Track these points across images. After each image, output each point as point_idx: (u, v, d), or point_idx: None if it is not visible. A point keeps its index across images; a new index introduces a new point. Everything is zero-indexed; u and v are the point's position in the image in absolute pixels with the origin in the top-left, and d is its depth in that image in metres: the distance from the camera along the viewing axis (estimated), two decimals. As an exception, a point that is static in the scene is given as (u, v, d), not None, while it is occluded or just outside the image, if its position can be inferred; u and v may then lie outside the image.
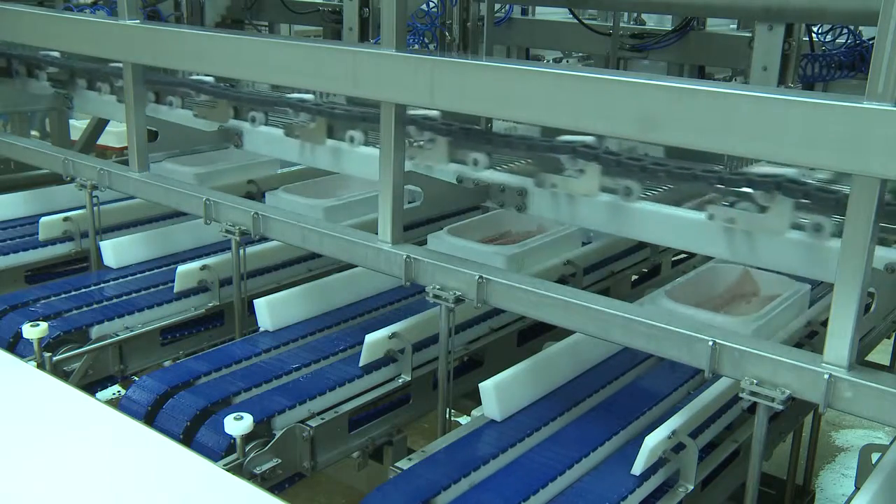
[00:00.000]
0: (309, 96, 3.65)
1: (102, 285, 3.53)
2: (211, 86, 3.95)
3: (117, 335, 3.19)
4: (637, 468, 2.31)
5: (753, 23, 3.43)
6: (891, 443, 2.36)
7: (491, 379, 2.60)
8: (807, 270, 2.56)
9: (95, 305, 3.33)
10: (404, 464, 2.37)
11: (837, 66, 4.09)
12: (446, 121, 3.07)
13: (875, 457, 2.33)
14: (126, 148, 3.86)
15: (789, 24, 3.28)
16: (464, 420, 2.81)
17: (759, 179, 2.49)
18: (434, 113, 3.08)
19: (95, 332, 3.19)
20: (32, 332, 2.78)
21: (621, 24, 5.34)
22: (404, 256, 2.73)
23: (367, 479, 2.95)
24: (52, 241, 3.91)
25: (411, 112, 2.95)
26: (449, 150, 3.07)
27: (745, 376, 2.12)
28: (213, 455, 2.49)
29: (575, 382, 2.80)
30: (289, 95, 3.73)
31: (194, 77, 4.05)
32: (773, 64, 3.32)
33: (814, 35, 4.14)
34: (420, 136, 3.05)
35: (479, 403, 2.61)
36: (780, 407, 2.08)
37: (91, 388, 3.11)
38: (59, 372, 2.97)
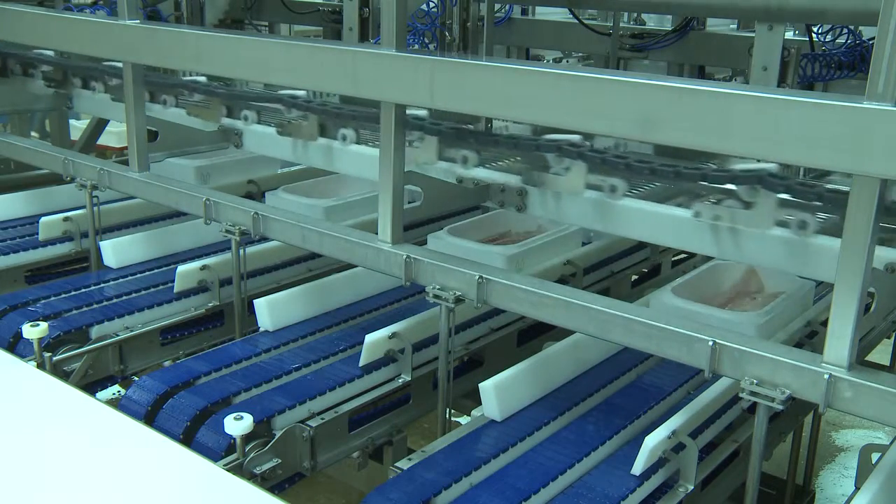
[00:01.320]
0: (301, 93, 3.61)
1: (102, 285, 3.53)
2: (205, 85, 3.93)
3: (117, 335, 3.19)
4: (637, 468, 2.31)
5: (754, 23, 3.43)
6: (891, 443, 2.36)
7: (491, 379, 2.60)
8: (600, 225, 2.83)
9: (95, 305, 3.33)
10: (404, 464, 2.37)
11: (837, 66, 4.10)
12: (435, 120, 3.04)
13: (875, 457, 2.33)
14: (126, 148, 3.87)
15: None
16: (464, 420, 2.81)
17: (546, 144, 2.75)
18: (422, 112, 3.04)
19: (95, 332, 3.19)
20: (32, 332, 2.78)
21: (621, 24, 5.35)
22: (404, 256, 2.73)
23: (367, 479, 2.95)
24: (52, 241, 3.91)
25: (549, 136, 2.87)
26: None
27: (745, 376, 2.12)
28: (213, 455, 2.49)
29: (575, 382, 2.81)
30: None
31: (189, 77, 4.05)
32: (773, 64, 3.31)
33: (814, 35, 4.15)
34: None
35: (479, 403, 2.61)
36: (780, 407, 2.08)
37: (91, 388, 3.11)
38: (59, 372, 2.97)
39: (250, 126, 3.76)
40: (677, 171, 2.60)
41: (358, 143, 3.37)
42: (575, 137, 2.76)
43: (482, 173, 3.01)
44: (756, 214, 2.41)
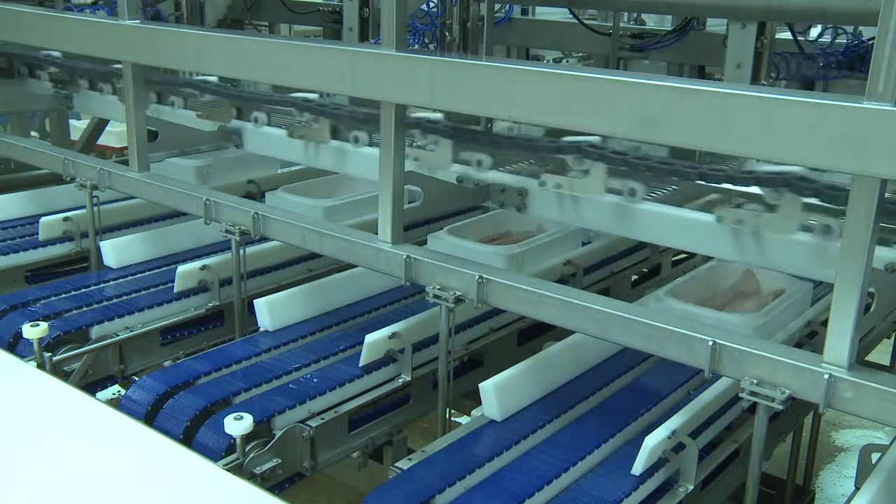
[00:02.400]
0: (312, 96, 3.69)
1: (102, 285, 3.53)
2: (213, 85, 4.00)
3: (117, 335, 3.18)
4: (637, 468, 2.31)
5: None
6: (891, 443, 2.36)
7: (491, 379, 2.60)
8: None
9: (95, 305, 3.33)
10: (404, 464, 2.37)
11: (836, 65, 4.11)
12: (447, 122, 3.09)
13: (875, 457, 2.33)
14: (126, 148, 3.87)
15: (762, 22, 3.31)
16: (464, 420, 2.81)
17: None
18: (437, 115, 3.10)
19: (95, 332, 3.19)
20: (32, 332, 2.78)
21: (621, 24, 5.34)
22: (404, 256, 2.73)
23: (367, 479, 2.95)
24: (52, 241, 3.91)
25: (414, 115, 3.02)
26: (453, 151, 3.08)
27: (745, 376, 2.12)
28: (213, 455, 2.49)
29: (575, 382, 2.80)
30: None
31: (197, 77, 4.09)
32: (747, 61, 3.34)
33: (811, 34, 4.15)
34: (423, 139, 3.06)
35: (479, 403, 2.61)
36: (780, 407, 2.08)
37: (91, 388, 3.11)
38: (59, 372, 2.97)
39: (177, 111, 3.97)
40: (514, 142, 2.96)
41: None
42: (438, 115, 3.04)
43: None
44: (589, 182, 2.76)
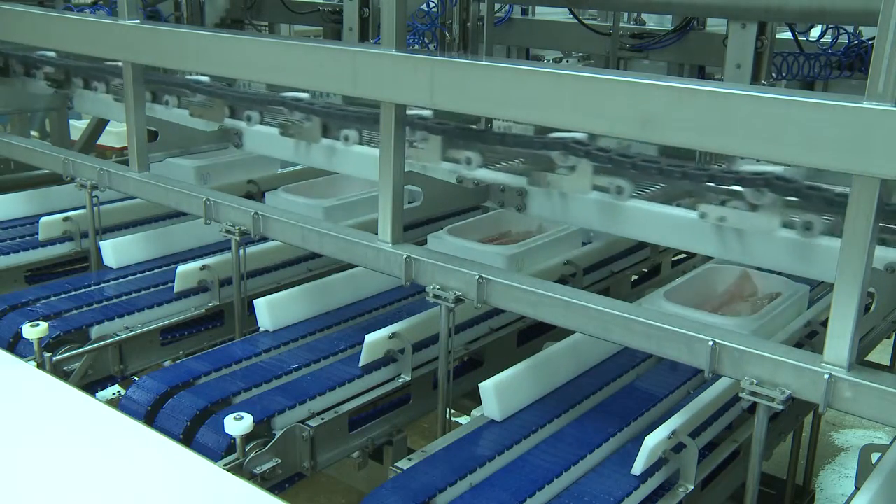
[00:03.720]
0: (304, 95, 3.69)
1: (102, 285, 3.53)
2: (207, 85, 3.97)
3: (117, 335, 3.18)
4: (637, 468, 2.31)
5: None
6: (891, 443, 2.36)
7: (491, 379, 2.60)
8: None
9: (95, 305, 3.33)
10: (404, 464, 2.37)
11: (836, 65, 4.11)
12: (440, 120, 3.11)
13: (875, 457, 2.33)
14: (126, 148, 3.87)
15: (762, 22, 3.31)
16: (464, 420, 2.81)
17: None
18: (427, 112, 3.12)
19: (95, 332, 3.19)
20: (32, 332, 2.78)
21: (621, 24, 5.35)
22: (404, 256, 2.73)
23: (367, 479, 2.95)
24: (52, 241, 3.91)
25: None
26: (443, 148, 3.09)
27: (745, 376, 2.12)
28: (213, 455, 2.49)
29: (575, 382, 2.80)
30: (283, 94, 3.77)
31: (191, 77, 4.07)
32: (747, 61, 3.35)
33: (812, 34, 4.16)
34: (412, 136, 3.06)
35: (479, 403, 2.61)
36: (780, 407, 2.08)
37: (91, 388, 3.11)
38: (59, 372, 2.97)
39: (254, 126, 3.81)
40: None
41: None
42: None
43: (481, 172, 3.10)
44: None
